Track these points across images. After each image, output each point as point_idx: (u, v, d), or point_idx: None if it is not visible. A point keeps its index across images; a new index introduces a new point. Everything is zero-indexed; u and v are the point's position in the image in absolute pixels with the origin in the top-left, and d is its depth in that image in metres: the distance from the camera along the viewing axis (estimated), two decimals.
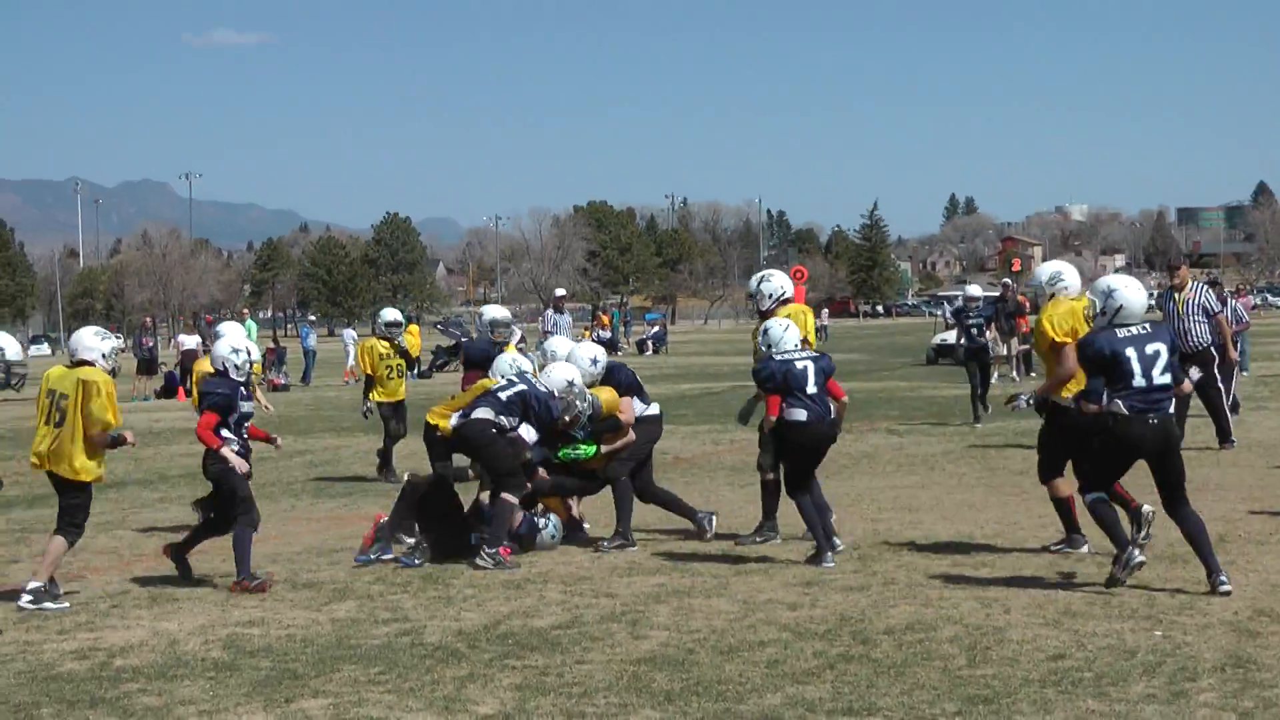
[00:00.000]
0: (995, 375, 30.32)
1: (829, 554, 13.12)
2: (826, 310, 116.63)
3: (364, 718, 8.56)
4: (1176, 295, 20.85)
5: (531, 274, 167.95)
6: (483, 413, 13.94)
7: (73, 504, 12.70)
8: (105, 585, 13.17)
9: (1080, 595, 11.39)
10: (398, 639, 10.59)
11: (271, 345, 53.51)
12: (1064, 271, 13.35)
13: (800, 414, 13.41)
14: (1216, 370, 20.89)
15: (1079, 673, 9.10)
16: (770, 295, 14.69)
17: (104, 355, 12.79)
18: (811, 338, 14.31)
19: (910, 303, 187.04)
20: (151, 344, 48.06)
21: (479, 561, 13.32)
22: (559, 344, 15.50)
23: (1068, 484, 12.88)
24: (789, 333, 13.77)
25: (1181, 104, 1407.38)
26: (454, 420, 14.04)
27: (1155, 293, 23.99)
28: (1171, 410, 11.60)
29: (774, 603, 11.46)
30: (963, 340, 26.96)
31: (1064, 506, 13.17)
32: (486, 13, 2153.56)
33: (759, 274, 15.11)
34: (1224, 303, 23.17)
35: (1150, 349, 11.42)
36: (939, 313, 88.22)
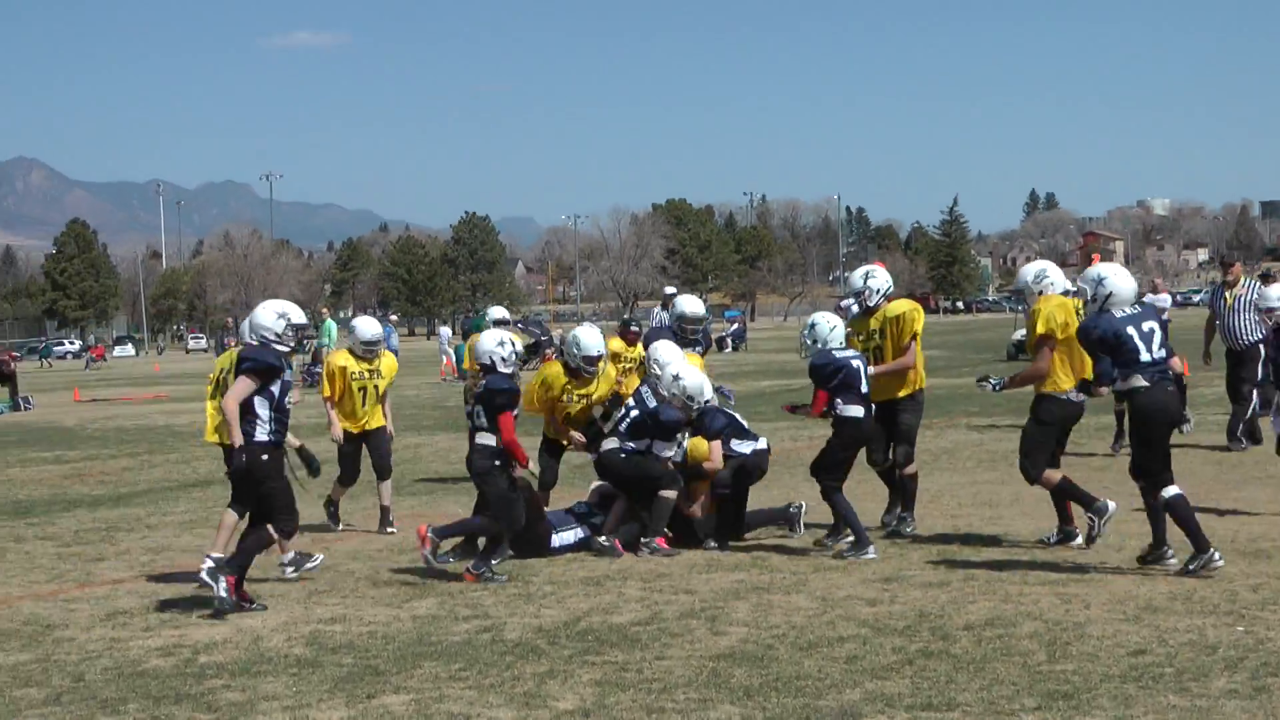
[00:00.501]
0: None
1: (871, 545, 13.37)
2: (922, 310, 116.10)
3: (445, 713, 8.62)
4: (1228, 293, 20.68)
5: (610, 272, 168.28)
6: (610, 443, 14.26)
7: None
8: (190, 583, 13.27)
9: (1162, 590, 11.33)
10: (478, 635, 10.66)
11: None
12: (1048, 269, 13.64)
13: (858, 410, 13.70)
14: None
15: (1160, 668, 9.06)
16: (878, 291, 14.71)
17: (277, 334, 12.93)
18: (916, 332, 14.52)
19: (991, 298, 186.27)
20: (232, 344, 48.43)
21: (640, 552, 13.69)
22: (665, 351, 15.04)
23: (1057, 473, 13.14)
24: (836, 331, 14.00)
25: (1267, 96, 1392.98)
26: (594, 456, 14.46)
27: (1207, 290, 23.48)
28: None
29: (853, 599, 11.47)
30: None
31: (1060, 498, 13.27)
32: (564, 11, 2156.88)
33: (864, 270, 14.99)
34: None
35: (1146, 326, 12.13)
36: (1020, 308, 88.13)
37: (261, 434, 12.14)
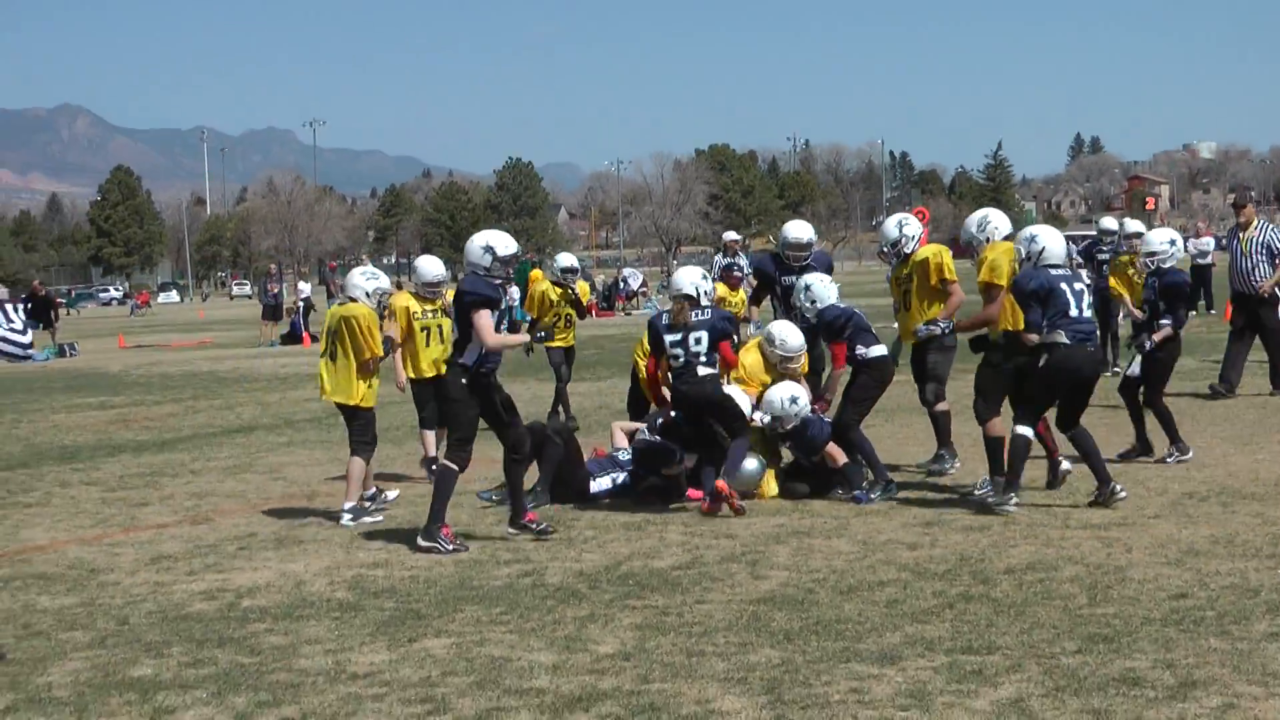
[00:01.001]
0: (1122, 314, 29.61)
1: (893, 483, 13.57)
2: (950, 252, 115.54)
3: (486, 657, 8.65)
4: (1241, 234, 20.40)
5: (653, 217, 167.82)
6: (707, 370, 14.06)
7: (359, 425, 13.84)
8: (233, 528, 13.38)
9: (1204, 534, 11.28)
10: (519, 580, 10.69)
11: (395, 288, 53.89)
12: (990, 215, 13.87)
13: (880, 349, 13.91)
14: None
15: (1201, 611, 9.03)
16: (913, 238, 14.82)
17: (368, 294, 13.90)
18: (951, 273, 14.51)
19: None
20: (277, 290, 48.44)
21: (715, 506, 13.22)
22: (782, 329, 14.64)
23: (1002, 425, 13.13)
24: (831, 287, 14.20)
25: None
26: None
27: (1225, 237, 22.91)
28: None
29: (893, 543, 11.46)
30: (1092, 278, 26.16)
31: (995, 446, 13.22)
32: None
33: (897, 219, 15.02)
34: None
35: (1077, 286, 12.61)
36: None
37: (470, 357, 12.20)
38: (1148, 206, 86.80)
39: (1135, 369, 15.23)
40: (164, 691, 8.20)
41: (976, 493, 13.32)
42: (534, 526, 12.31)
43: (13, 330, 43.37)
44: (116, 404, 26.83)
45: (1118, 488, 12.64)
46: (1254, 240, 20.23)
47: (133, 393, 29.32)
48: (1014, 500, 12.58)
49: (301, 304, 48.08)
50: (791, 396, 13.81)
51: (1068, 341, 12.45)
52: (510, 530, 12.37)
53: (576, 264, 20.15)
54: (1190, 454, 14.80)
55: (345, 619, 9.74)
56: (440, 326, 15.39)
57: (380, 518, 13.57)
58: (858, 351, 13.78)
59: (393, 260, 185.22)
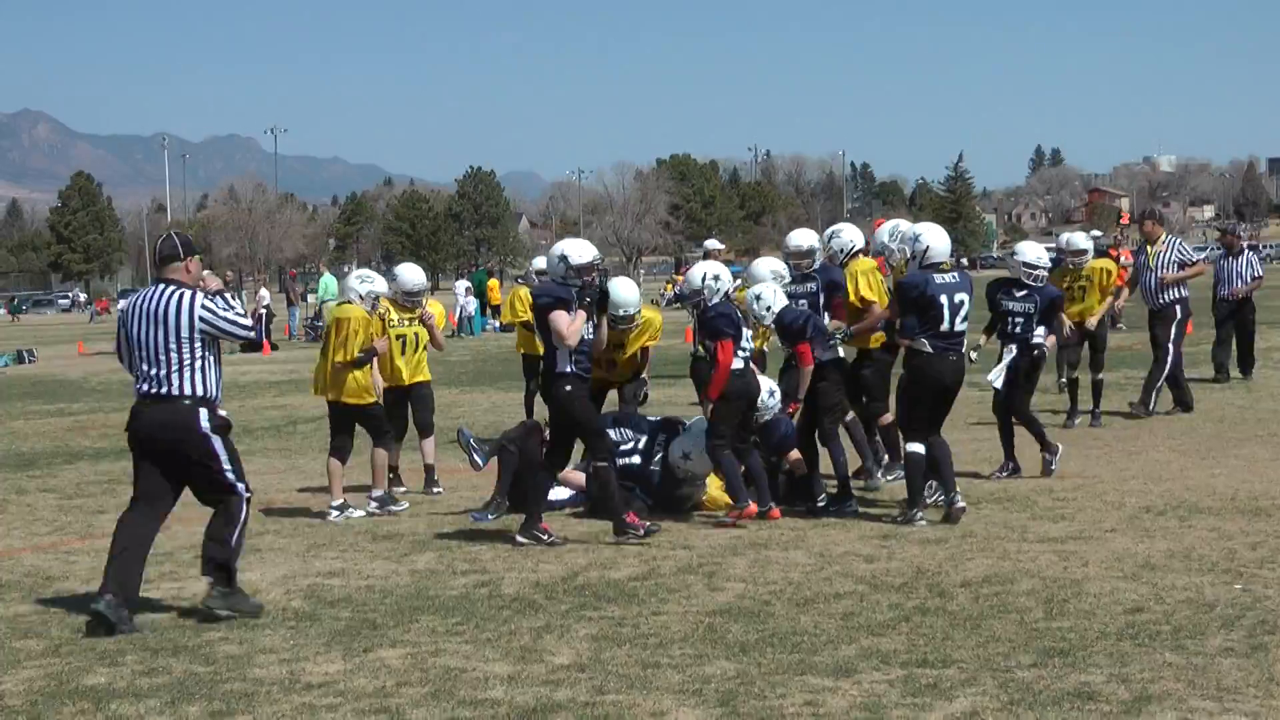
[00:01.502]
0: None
1: (853, 499, 13.64)
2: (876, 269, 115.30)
3: (441, 667, 8.62)
4: (1149, 248, 20.35)
5: (614, 227, 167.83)
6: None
7: (370, 420, 14.45)
8: (190, 536, 13.27)
9: (1160, 549, 11.31)
10: (475, 590, 10.66)
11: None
12: (843, 229, 15.02)
13: (836, 352, 14.02)
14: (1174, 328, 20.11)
15: (1156, 626, 9.05)
16: (843, 250, 14.75)
17: (360, 296, 14.33)
18: (882, 296, 14.44)
19: (995, 255, 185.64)
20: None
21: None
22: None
23: (888, 416, 14.06)
24: (779, 293, 13.99)
25: (1275, 52, 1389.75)
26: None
27: (1213, 247, 22.91)
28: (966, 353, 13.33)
29: (850, 555, 11.47)
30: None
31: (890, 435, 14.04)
32: None
33: (830, 230, 15.10)
34: (1235, 255, 23.41)
35: (957, 298, 12.89)
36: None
37: (563, 364, 12.30)
38: (1122, 221, 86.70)
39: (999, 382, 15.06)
40: (118, 700, 8.15)
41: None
42: (639, 531, 12.29)
43: None
44: (74, 411, 26.70)
45: (956, 498, 12.82)
46: (1160, 256, 20.11)
47: (91, 400, 29.18)
48: (922, 519, 12.70)
49: (263, 312, 47.95)
50: (770, 389, 13.79)
51: (930, 351, 12.82)
52: (616, 538, 12.32)
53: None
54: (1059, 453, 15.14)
55: (300, 628, 9.69)
56: (416, 335, 15.32)
57: (406, 505, 14.36)
58: (817, 353, 13.75)
59: (352, 267, 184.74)
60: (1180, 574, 10.45)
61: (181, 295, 10.28)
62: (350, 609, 10.20)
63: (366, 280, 14.53)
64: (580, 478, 13.90)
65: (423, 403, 15.49)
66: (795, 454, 13.81)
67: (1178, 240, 20.81)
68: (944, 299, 12.79)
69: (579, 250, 12.55)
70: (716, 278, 13.31)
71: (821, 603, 9.92)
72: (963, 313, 12.92)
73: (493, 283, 57.05)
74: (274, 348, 43.82)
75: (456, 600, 10.35)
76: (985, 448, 17.11)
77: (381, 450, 14.37)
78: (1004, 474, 15.08)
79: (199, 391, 10.26)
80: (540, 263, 19.16)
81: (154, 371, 10.24)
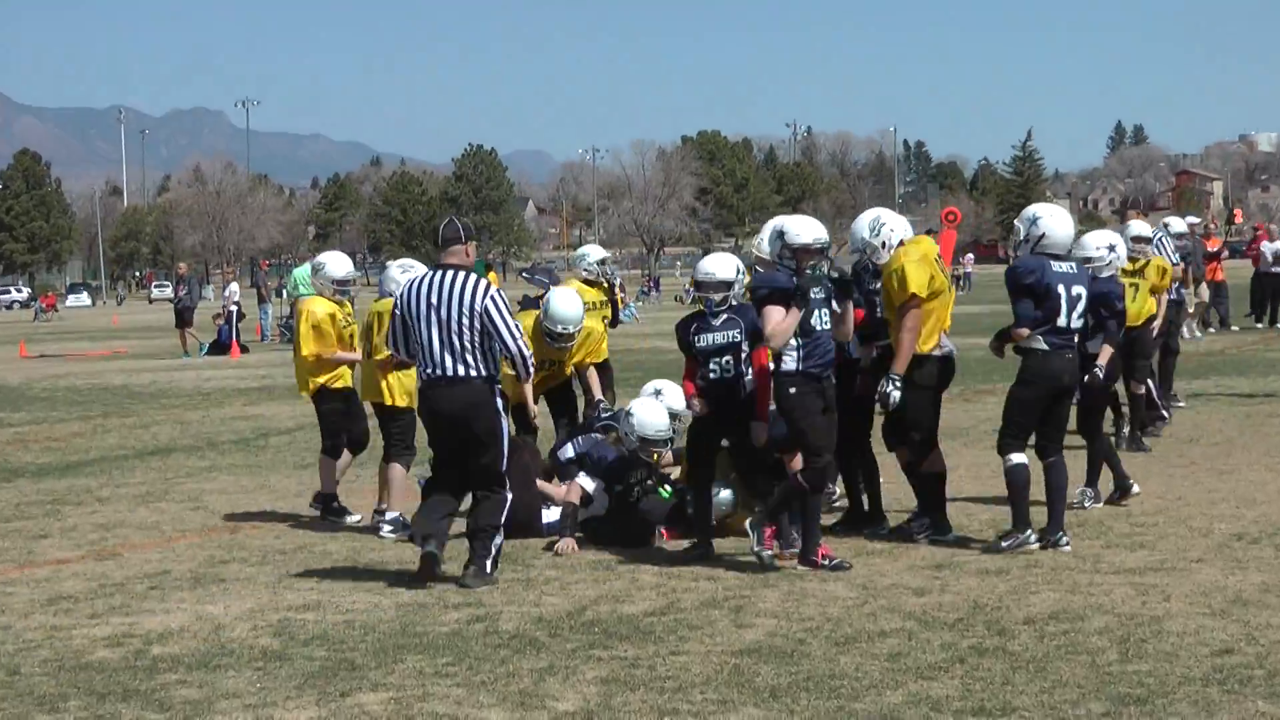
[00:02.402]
0: (1187, 333, 28.74)
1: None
2: (971, 255, 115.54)
3: (429, 714, 8.63)
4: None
5: (633, 214, 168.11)
6: None
7: (394, 428, 14.72)
8: (144, 564, 13.34)
9: (1253, 582, 11.29)
10: (469, 626, 10.67)
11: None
12: (882, 215, 13.88)
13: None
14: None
15: (1248, 670, 9.03)
16: (887, 245, 13.95)
17: (776, 255, 13.73)
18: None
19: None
20: (185, 293, 47.68)
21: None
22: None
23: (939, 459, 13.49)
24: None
25: None
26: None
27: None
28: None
29: (898, 588, 11.46)
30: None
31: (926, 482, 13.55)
32: None
33: (868, 217, 13.98)
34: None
35: (1075, 290, 12.91)
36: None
37: (789, 362, 12.27)
38: (1235, 219, 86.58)
39: None
40: None
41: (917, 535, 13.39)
42: (828, 563, 12.23)
43: None
44: (14, 422, 26.78)
45: (1064, 539, 12.75)
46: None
47: (34, 409, 29.26)
48: (1032, 538, 12.70)
49: (233, 309, 47.83)
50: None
51: (1045, 348, 12.85)
52: (801, 566, 12.28)
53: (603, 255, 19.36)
54: (1099, 503, 14.84)
55: (269, 670, 9.70)
56: (351, 335, 15.43)
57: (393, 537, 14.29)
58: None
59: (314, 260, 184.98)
60: (1276, 610, 10.43)
61: (472, 280, 12.18)
62: (326, 647, 10.20)
63: (408, 270, 14.75)
64: (560, 490, 13.99)
65: (356, 411, 15.62)
66: (798, 458, 13.70)
67: (1161, 235, 20.71)
68: (1061, 289, 12.81)
69: (800, 228, 12.50)
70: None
71: (864, 642, 9.91)
72: (1080, 307, 12.94)
73: (492, 276, 56.90)
74: (244, 350, 43.94)
75: (447, 638, 10.36)
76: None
77: (397, 467, 14.63)
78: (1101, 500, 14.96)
79: (488, 371, 12.10)
80: (598, 251, 18.72)
81: (442, 354, 12.04)
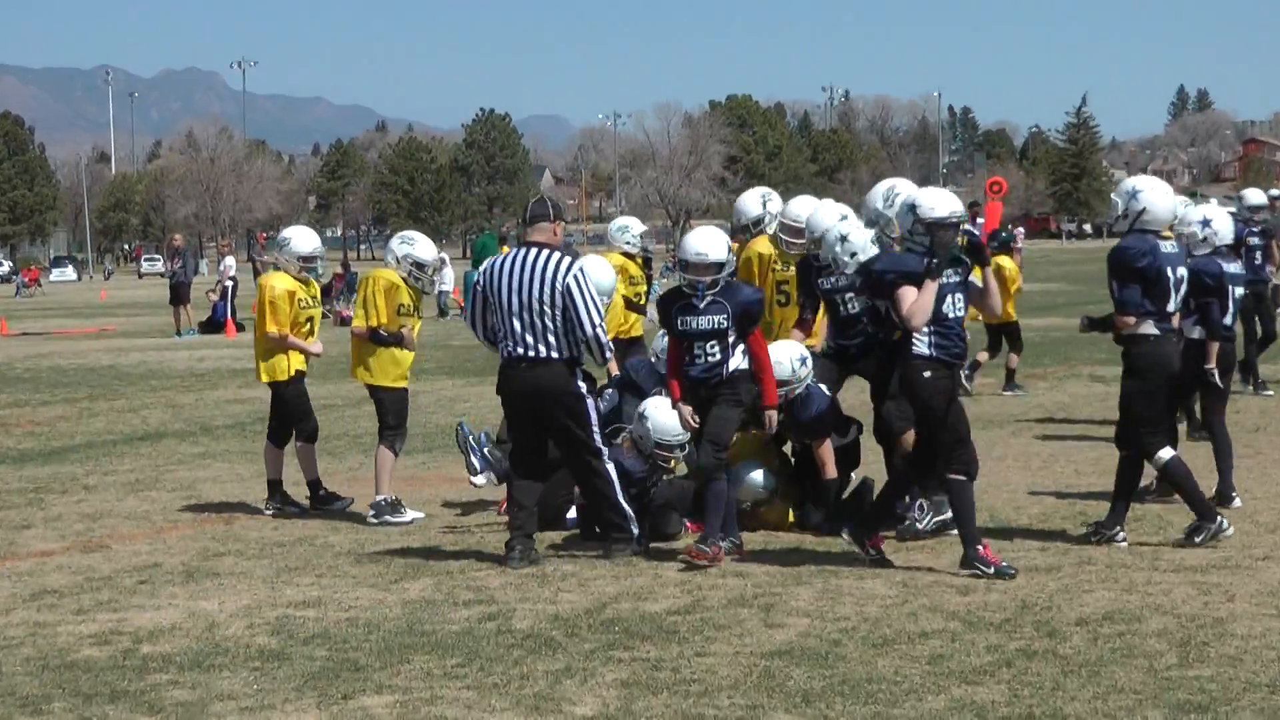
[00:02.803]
0: None
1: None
2: (1022, 229, 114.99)
3: (437, 718, 8.64)
4: None
5: (658, 184, 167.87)
6: None
7: (380, 409, 14.99)
8: (133, 556, 13.38)
9: None
10: (481, 625, 10.69)
11: (340, 270, 53.81)
12: (897, 184, 13.69)
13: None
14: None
15: None
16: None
17: (398, 259, 14.97)
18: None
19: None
20: (178, 266, 47.69)
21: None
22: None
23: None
24: (869, 239, 13.61)
25: None
26: None
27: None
28: None
29: (940, 585, 11.47)
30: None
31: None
32: None
33: (883, 187, 13.87)
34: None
35: (1179, 272, 12.86)
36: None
37: (921, 346, 12.11)
38: None
39: None
40: None
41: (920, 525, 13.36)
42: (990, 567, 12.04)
43: None
44: None
45: (1224, 524, 12.71)
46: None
47: (15, 391, 29.32)
48: (1224, 525, 12.73)
49: (228, 284, 47.79)
50: (800, 357, 13.70)
51: (1157, 333, 12.70)
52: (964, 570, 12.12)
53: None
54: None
55: (266, 670, 9.72)
56: (311, 319, 15.61)
57: (408, 519, 14.59)
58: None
59: (338, 233, 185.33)
60: None
61: (556, 257, 12.58)
62: (328, 647, 10.23)
63: (408, 242, 15.08)
64: None
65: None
66: (825, 451, 13.72)
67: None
68: (1169, 271, 12.75)
69: (934, 201, 12.27)
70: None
71: (904, 643, 9.91)
72: (1183, 289, 12.94)
73: (505, 249, 56.90)
74: (240, 329, 43.94)
75: (457, 637, 10.38)
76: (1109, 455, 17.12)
77: (384, 450, 14.75)
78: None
79: (571, 353, 12.60)
80: (637, 224, 18.38)
81: (523, 333, 12.56)
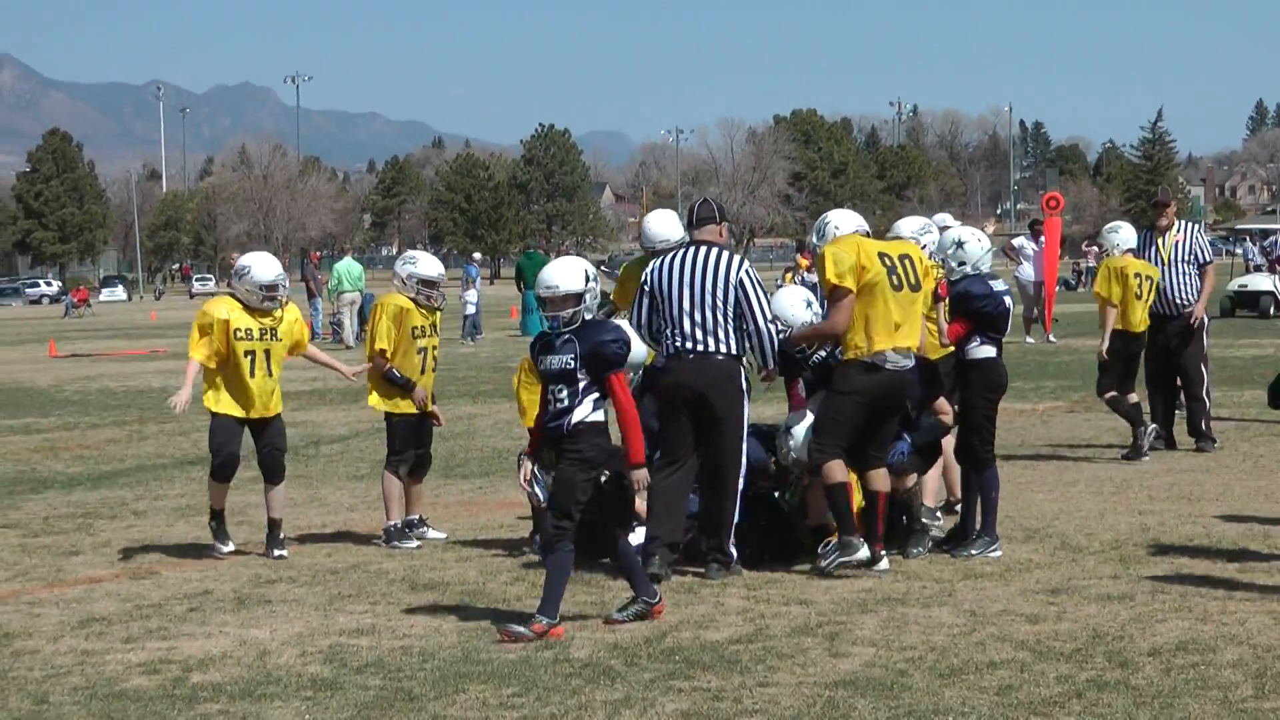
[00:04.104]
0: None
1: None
2: (1096, 248, 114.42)
3: None
4: (1161, 240, 20.26)
5: (720, 200, 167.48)
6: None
7: (389, 433, 15.27)
8: (183, 583, 13.44)
9: None
10: (538, 654, 10.70)
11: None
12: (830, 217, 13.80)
13: (990, 351, 14.03)
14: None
15: None
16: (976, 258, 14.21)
17: (403, 281, 15.16)
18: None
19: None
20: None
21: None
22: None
23: (841, 469, 13.05)
24: (987, 253, 14.16)
25: None
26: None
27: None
28: None
29: (1009, 614, 11.44)
30: None
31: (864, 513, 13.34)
32: None
33: (952, 236, 14.37)
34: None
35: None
36: (1240, 251, 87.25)
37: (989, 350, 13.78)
38: None
39: None
40: None
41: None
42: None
43: None
44: (44, 427, 26.98)
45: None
46: (1179, 246, 20.06)
47: (65, 413, 29.47)
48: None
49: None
50: (805, 300, 13.99)
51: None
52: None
53: None
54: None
55: (319, 700, 9.77)
56: (269, 351, 14.62)
57: (416, 544, 14.82)
58: (970, 342, 13.90)
59: (393, 251, 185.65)
60: None
61: (726, 255, 13.27)
62: (381, 676, 10.27)
63: (409, 263, 15.24)
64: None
65: (271, 441, 15.00)
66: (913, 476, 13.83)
67: (1195, 228, 20.82)
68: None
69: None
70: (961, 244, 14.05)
71: (972, 673, 9.90)
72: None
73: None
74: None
75: (514, 666, 10.40)
76: (1182, 480, 17.05)
77: (387, 475, 15.14)
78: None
79: (736, 350, 13.10)
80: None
81: (692, 328, 13.02)
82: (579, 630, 11.32)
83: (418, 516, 15.21)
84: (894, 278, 13.02)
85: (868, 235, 13.47)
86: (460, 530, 15.43)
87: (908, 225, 14.91)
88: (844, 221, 13.52)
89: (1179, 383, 20.00)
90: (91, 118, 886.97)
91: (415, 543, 14.81)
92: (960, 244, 13.97)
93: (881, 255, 13.12)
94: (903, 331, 13.05)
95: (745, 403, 13.15)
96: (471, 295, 50.16)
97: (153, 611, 12.34)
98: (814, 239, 13.82)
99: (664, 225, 14.33)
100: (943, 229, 23.16)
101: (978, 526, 13.71)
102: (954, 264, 13.95)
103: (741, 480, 13.18)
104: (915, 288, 13.20)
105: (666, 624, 11.41)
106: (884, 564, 12.96)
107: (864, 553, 12.77)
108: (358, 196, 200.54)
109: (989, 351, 13.92)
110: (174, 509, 17.45)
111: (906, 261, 13.22)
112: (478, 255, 64.94)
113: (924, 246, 14.12)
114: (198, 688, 10.10)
